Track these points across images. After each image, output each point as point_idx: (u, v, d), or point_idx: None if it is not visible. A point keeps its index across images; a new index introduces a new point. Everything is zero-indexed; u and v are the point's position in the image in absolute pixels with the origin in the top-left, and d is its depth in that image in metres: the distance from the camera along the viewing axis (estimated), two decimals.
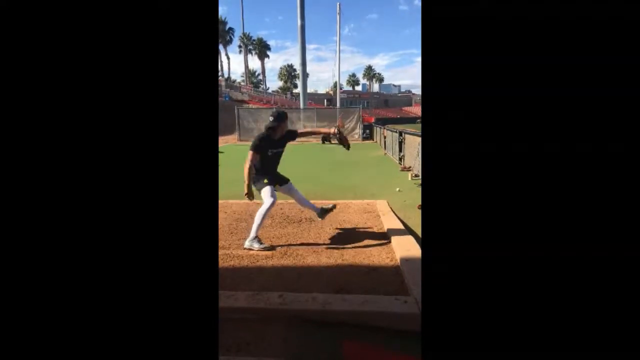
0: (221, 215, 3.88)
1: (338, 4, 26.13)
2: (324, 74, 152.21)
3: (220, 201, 4.32)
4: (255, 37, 47.82)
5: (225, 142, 16.05)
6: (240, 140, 17.15)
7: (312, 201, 3.48)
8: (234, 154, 11.39)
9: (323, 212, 3.32)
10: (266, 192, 2.91)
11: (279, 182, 3.12)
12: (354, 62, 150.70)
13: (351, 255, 2.68)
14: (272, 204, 2.87)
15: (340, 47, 28.91)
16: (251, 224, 2.90)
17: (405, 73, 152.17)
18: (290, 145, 3.27)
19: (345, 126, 17.17)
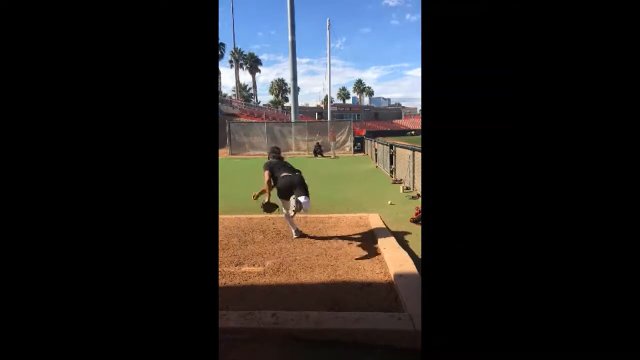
0: None
1: (328, 19, 26.61)
2: (316, 88, 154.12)
3: None
4: (246, 52, 48.24)
5: None
6: (232, 154, 17.06)
7: (301, 215, 3.60)
8: (226, 168, 11.35)
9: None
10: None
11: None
12: (346, 76, 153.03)
13: (344, 271, 2.66)
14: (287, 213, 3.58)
15: (333, 61, 29.35)
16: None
17: (396, 86, 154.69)
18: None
19: (337, 139, 17.27)
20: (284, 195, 3.58)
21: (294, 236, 3.55)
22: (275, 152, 3.86)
